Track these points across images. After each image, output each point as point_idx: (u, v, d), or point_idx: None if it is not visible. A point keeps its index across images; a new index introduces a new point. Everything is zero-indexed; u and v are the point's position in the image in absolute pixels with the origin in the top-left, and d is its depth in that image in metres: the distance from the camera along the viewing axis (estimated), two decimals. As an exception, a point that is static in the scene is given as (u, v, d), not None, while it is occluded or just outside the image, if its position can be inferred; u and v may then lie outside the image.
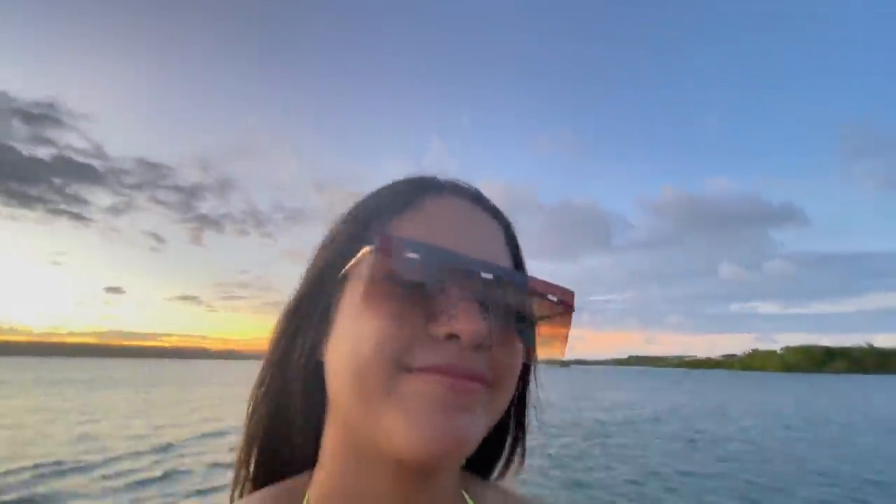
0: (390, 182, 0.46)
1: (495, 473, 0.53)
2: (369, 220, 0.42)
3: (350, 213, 0.45)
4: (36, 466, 9.51)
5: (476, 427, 0.36)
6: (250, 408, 0.45)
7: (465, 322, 0.34)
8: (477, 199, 0.46)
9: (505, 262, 0.42)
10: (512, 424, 0.51)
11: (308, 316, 0.42)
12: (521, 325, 0.39)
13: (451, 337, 0.35)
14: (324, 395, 0.41)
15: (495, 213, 0.46)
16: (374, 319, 0.35)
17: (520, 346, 0.39)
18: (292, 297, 0.44)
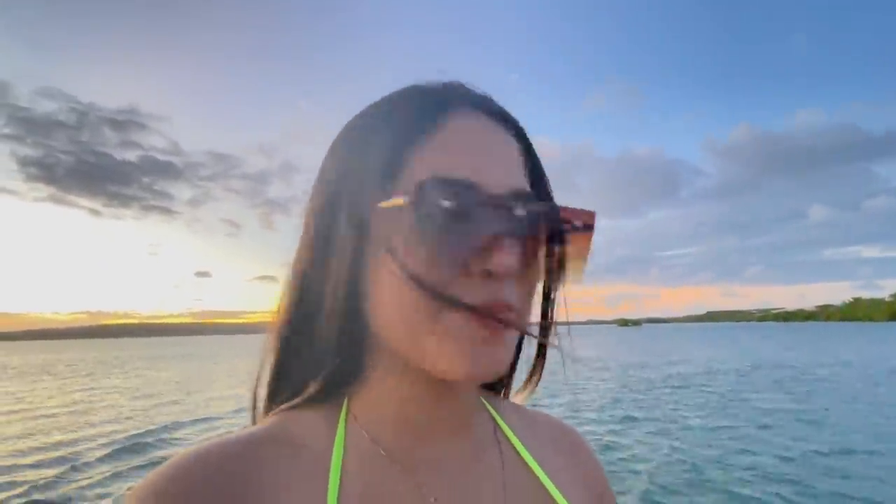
0: (402, 88, 0.43)
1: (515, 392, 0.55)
2: (387, 148, 0.39)
3: (361, 137, 0.42)
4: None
5: (510, 353, 0.39)
6: (282, 328, 0.44)
7: (500, 258, 0.36)
8: (502, 117, 0.43)
9: (527, 185, 0.42)
10: (533, 347, 0.51)
11: (341, 248, 0.40)
12: (548, 250, 0.40)
13: (491, 274, 0.36)
14: (357, 324, 0.41)
15: (519, 133, 0.44)
16: (416, 260, 0.36)
17: (541, 270, 0.41)
18: (318, 225, 0.42)
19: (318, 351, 0.43)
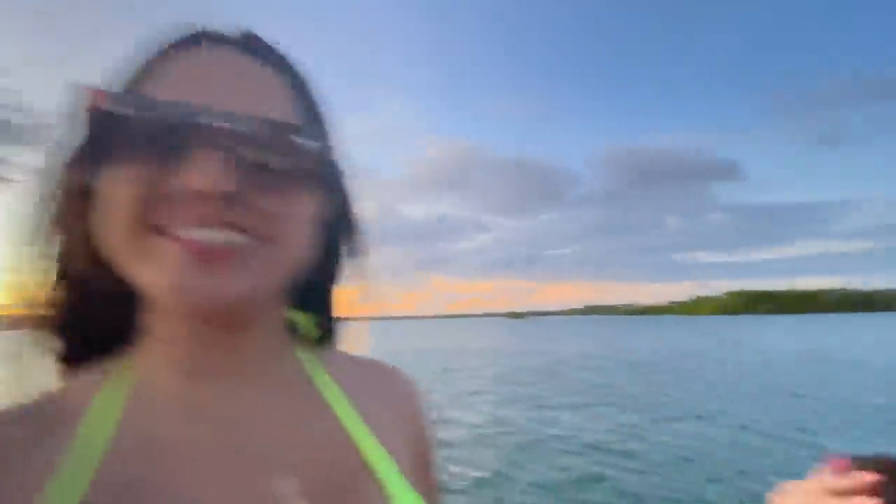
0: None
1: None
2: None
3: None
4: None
5: (241, 282, 0.35)
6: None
7: (203, 175, 0.33)
8: (246, 47, 0.40)
9: (286, 114, 0.39)
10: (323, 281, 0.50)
11: (72, 196, 0.38)
12: (283, 174, 0.36)
13: (199, 194, 0.33)
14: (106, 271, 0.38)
15: (275, 63, 0.41)
16: (114, 184, 0.34)
17: (296, 197, 0.38)
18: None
19: (87, 319, 0.41)
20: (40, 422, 0.37)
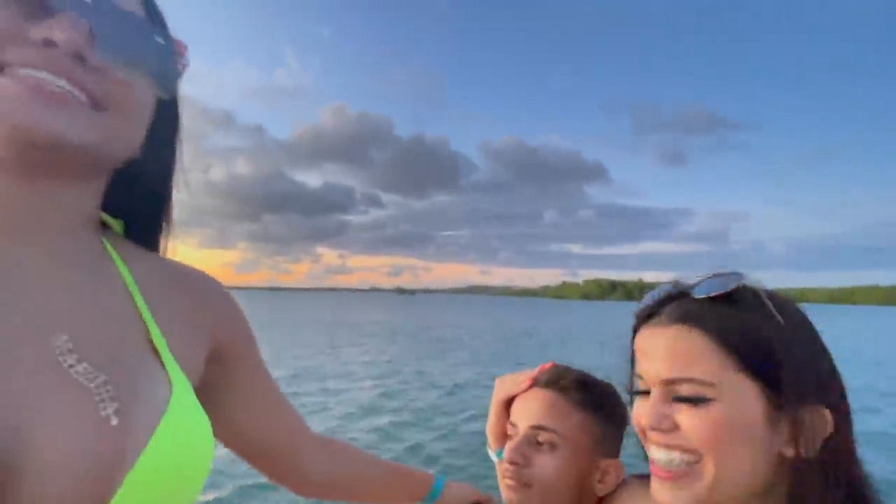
0: None
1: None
2: None
3: None
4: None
5: (73, 129, 0.38)
6: None
7: (61, 30, 0.36)
8: None
9: (139, 10, 0.44)
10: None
11: None
12: (130, 56, 0.41)
13: (49, 43, 0.36)
14: None
15: None
16: None
17: (137, 83, 0.42)
18: None
19: None
20: None
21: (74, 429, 0.36)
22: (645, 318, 0.59)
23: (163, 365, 0.45)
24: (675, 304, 0.56)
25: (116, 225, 0.53)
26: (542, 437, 0.74)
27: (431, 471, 0.85)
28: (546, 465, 0.73)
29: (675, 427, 0.51)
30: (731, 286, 0.53)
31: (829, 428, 0.50)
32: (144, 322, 0.46)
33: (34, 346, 0.37)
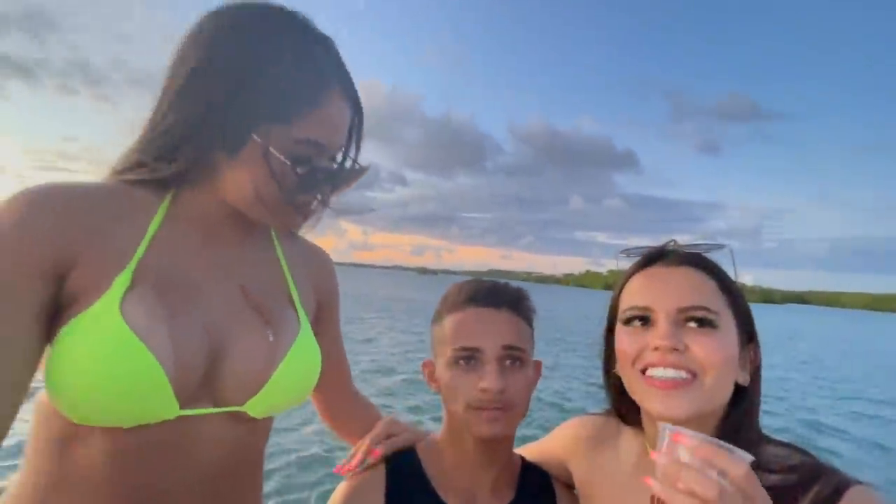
0: (274, 26, 0.59)
1: None
2: (283, 98, 0.58)
3: (256, 61, 0.58)
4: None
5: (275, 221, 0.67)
6: None
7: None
8: (355, 97, 0.65)
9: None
10: None
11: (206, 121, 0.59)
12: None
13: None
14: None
15: (357, 108, 0.66)
16: (264, 181, 0.60)
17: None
18: (184, 110, 0.59)
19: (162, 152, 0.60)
20: (124, 206, 0.59)
21: (252, 342, 0.63)
22: (646, 262, 0.70)
23: (295, 310, 0.72)
24: (679, 253, 0.68)
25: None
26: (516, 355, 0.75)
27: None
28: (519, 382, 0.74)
29: (686, 349, 0.61)
30: (718, 249, 0.68)
31: (758, 361, 0.65)
32: (287, 280, 0.74)
33: (226, 293, 0.65)
